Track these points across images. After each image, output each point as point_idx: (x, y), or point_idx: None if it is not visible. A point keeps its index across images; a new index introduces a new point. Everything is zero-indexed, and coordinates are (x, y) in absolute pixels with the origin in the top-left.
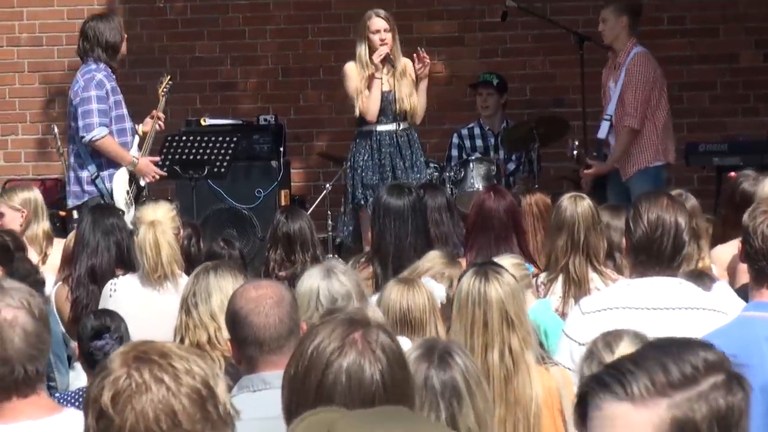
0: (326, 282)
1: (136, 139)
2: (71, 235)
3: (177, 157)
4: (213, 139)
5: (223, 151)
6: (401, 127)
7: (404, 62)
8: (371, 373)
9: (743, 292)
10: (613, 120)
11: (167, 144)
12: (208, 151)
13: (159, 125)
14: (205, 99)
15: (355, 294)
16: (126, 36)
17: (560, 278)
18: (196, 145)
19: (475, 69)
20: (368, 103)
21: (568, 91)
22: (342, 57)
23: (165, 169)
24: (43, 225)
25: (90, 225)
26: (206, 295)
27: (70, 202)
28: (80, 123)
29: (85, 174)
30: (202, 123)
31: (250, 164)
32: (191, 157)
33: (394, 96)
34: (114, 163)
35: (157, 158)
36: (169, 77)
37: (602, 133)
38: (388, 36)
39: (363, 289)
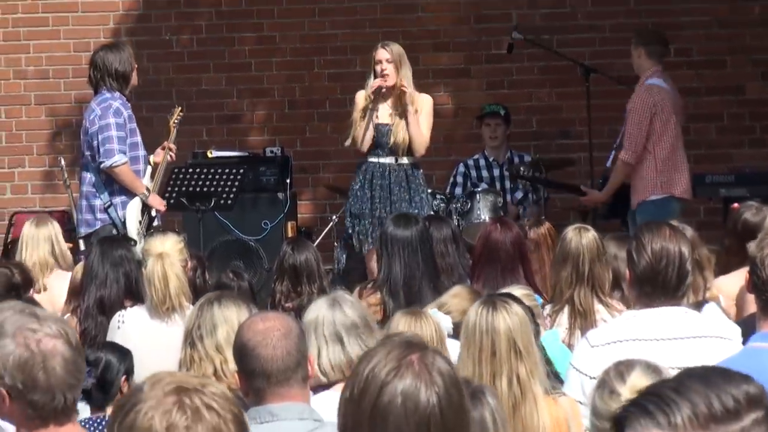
0: (331, 312)
1: (149, 168)
2: (79, 267)
3: (184, 189)
4: (220, 171)
5: (229, 183)
6: (398, 162)
7: (413, 96)
8: (428, 396)
9: (750, 323)
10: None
11: (174, 176)
12: (214, 183)
13: (171, 156)
14: (211, 131)
15: (361, 325)
16: (136, 66)
17: (566, 310)
18: (202, 177)
19: (481, 101)
20: (357, 133)
21: (574, 123)
22: (348, 89)
23: (172, 201)
24: (38, 253)
25: (98, 256)
26: (211, 327)
27: (82, 230)
28: (100, 149)
29: (98, 202)
30: (209, 155)
31: (257, 196)
32: (198, 189)
33: (390, 129)
34: (125, 191)
35: (164, 205)
36: (179, 108)
37: (609, 162)
38: (390, 67)
39: (370, 320)
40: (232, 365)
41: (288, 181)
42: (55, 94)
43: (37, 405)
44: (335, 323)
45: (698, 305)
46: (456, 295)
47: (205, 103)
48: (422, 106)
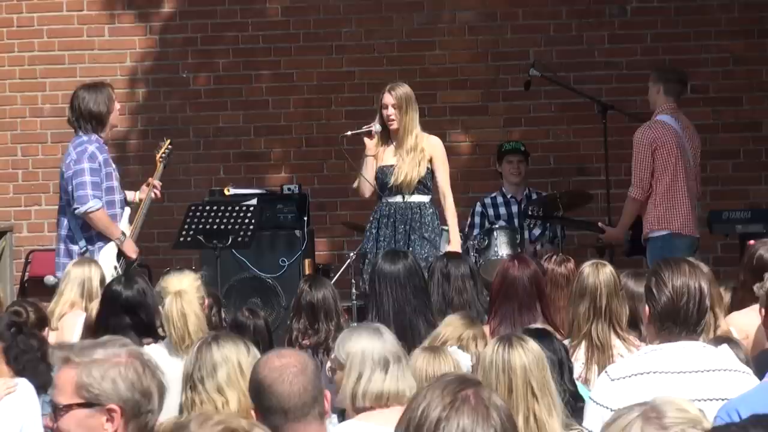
0: (378, 341)
1: (126, 211)
2: (94, 304)
3: (201, 226)
4: (237, 208)
5: (247, 221)
6: (405, 200)
7: (418, 138)
8: (485, 431)
9: (766, 357)
10: None
11: (191, 213)
12: (232, 220)
13: (155, 193)
14: (228, 169)
15: (402, 357)
16: (116, 107)
17: (583, 344)
18: (220, 214)
19: (498, 138)
20: (360, 177)
21: (591, 159)
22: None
23: (189, 238)
24: (68, 293)
25: (113, 298)
26: (211, 368)
27: (60, 275)
28: (74, 195)
29: (75, 247)
30: (226, 192)
31: (275, 233)
32: (215, 226)
33: (394, 170)
34: (104, 237)
35: (137, 252)
36: (168, 141)
37: None
38: (395, 113)
39: (403, 352)
40: (233, 405)
41: (305, 218)
42: (72, 133)
43: (147, 416)
44: (384, 350)
45: (716, 341)
46: (449, 324)
47: (222, 140)
48: (434, 151)
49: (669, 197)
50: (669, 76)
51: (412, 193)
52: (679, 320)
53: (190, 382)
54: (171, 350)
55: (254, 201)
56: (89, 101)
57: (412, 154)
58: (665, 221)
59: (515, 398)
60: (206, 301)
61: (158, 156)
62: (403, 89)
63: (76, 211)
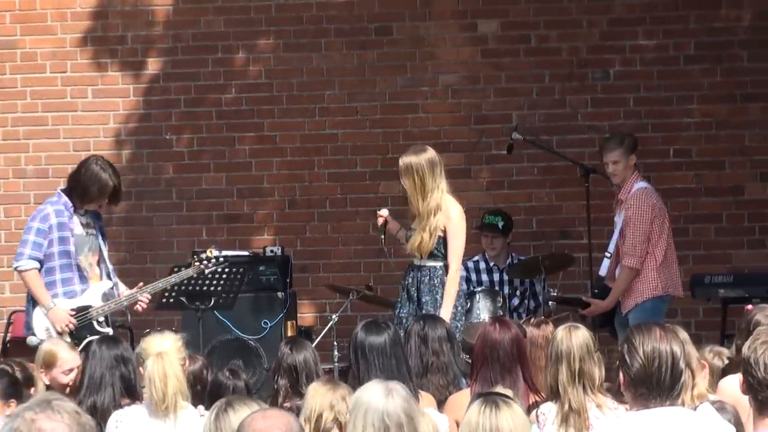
0: (384, 401)
1: (94, 289)
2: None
3: (183, 287)
4: (220, 270)
5: (229, 283)
6: (420, 263)
7: (434, 205)
8: None
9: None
10: (613, 257)
11: (174, 275)
12: (214, 282)
13: (141, 306)
14: (211, 231)
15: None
16: (106, 201)
17: (559, 408)
18: (202, 276)
19: (481, 201)
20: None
21: (574, 223)
22: (348, 189)
23: (172, 300)
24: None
25: (96, 357)
26: None
27: (26, 332)
28: (18, 249)
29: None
30: (209, 254)
31: (257, 295)
32: (198, 288)
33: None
34: (65, 292)
35: (73, 313)
36: (218, 254)
37: (603, 270)
38: (402, 179)
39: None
40: None
41: (288, 280)
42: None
43: None
44: (387, 413)
45: (695, 405)
46: (314, 395)
47: (205, 202)
48: (447, 222)
49: (668, 262)
50: (634, 144)
51: (425, 257)
52: (652, 386)
53: None
54: (151, 412)
55: (242, 266)
56: (91, 175)
57: (426, 222)
58: (666, 285)
59: None
60: (188, 363)
61: (200, 264)
62: (404, 158)
63: (12, 266)
